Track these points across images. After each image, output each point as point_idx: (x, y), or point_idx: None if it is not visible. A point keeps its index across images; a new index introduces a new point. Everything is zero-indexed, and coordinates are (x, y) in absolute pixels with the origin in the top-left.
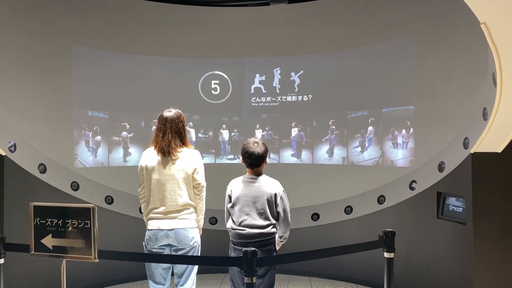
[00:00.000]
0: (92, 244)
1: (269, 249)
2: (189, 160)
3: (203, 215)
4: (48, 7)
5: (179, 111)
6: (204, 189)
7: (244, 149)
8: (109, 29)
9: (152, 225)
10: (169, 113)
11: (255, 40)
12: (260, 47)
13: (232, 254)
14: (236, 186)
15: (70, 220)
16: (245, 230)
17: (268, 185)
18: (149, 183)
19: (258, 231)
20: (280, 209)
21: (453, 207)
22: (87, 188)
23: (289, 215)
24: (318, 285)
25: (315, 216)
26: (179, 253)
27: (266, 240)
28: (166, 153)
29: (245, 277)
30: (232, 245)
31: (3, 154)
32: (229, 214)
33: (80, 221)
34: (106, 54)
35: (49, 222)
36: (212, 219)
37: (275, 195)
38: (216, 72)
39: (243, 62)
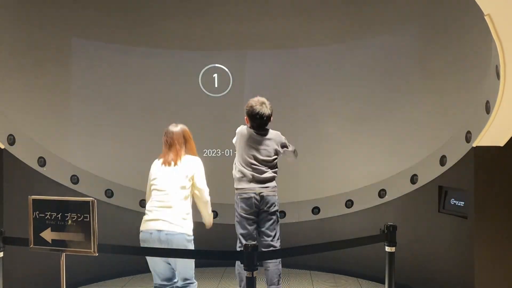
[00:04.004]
0: (92, 237)
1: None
2: (188, 166)
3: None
4: None
5: (185, 126)
6: (205, 193)
7: (252, 111)
8: (109, 21)
9: (145, 227)
10: (175, 128)
11: (256, 32)
12: (261, 39)
13: (241, 205)
14: (244, 133)
15: (70, 213)
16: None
17: (274, 136)
18: (153, 189)
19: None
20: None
21: (454, 201)
22: (87, 182)
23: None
24: (319, 279)
25: (316, 210)
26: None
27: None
28: (171, 163)
29: (246, 271)
30: (238, 196)
31: (2, 147)
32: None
33: (79, 215)
34: (105, 46)
35: (48, 216)
36: (212, 213)
37: (283, 143)
38: (217, 65)
39: (244, 55)
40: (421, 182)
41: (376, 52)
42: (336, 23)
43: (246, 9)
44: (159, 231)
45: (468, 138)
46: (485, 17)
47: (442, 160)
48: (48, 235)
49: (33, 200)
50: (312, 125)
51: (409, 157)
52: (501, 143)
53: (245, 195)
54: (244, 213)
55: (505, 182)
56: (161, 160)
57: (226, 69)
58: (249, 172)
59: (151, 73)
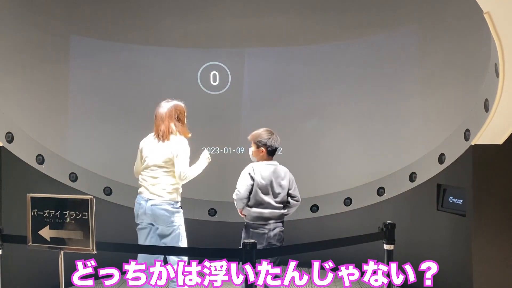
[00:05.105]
0: (90, 235)
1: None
2: (173, 146)
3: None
4: None
5: (179, 102)
6: (184, 176)
7: (268, 140)
8: (107, 18)
9: (137, 198)
10: (167, 103)
11: (255, 29)
12: (260, 37)
13: (250, 237)
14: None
15: (68, 211)
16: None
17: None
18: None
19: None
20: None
21: (453, 199)
22: (85, 179)
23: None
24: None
25: (314, 208)
26: (158, 232)
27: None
28: (160, 138)
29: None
30: (251, 229)
31: (0, 145)
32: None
33: (78, 213)
34: (104, 43)
35: (46, 214)
36: (211, 211)
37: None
38: (216, 62)
39: (242, 52)
40: (419, 180)
41: (375, 50)
42: (335, 21)
43: (244, 6)
44: (147, 200)
45: (466, 136)
46: (484, 15)
47: (441, 158)
48: (46, 233)
49: (32, 197)
50: (310, 123)
51: (407, 155)
52: (500, 141)
53: None
54: None
55: (503, 180)
56: (154, 133)
57: (225, 67)
58: None
59: (149, 70)
